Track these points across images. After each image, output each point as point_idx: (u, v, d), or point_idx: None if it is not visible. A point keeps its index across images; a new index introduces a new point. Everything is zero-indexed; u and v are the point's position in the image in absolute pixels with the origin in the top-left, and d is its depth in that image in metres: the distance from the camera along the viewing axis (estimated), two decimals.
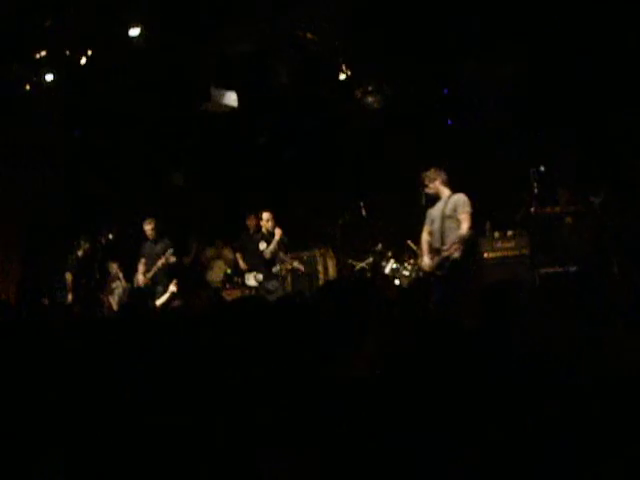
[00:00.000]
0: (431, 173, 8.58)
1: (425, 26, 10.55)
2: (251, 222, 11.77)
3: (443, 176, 8.57)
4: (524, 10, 9.98)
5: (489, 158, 11.96)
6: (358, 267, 12.23)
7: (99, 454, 2.32)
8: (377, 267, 11.77)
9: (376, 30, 10.76)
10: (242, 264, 11.82)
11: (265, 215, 10.87)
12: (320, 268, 12.56)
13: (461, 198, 8.32)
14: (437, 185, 8.56)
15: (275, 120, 13.14)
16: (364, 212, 12.16)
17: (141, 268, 10.98)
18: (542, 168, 9.67)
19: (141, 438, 2.29)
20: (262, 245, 10.78)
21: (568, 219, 10.53)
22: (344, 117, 12.84)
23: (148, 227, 11.21)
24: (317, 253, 12.55)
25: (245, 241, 11.82)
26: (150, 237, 11.24)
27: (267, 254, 10.71)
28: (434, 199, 8.64)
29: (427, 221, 8.68)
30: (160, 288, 10.67)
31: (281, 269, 10.85)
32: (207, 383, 2.41)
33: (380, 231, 12.49)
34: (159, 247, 11.09)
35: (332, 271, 12.65)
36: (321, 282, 12.29)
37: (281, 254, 10.84)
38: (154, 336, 3.22)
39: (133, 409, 2.45)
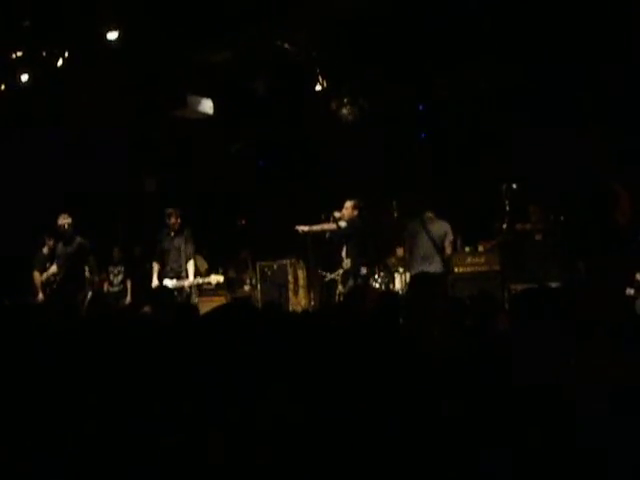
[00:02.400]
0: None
1: (402, 40, 10.62)
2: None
3: None
4: (500, 26, 10.09)
5: (461, 173, 12.06)
6: (328, 278, 12.23)
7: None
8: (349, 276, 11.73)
9: (353, 43, 10.82)
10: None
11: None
12: (290, 278, 12.53)
13: None
14: None
15: (250, 128, 13.15)
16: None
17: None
18: (514, 185, 9.75)
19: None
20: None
21: (538, 236, 10.65)
22: (319, 128, 12.88)
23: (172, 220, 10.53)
24: (287, 263, 12.52)
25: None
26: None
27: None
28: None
29: None
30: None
31: None
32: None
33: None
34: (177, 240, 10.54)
35: (302, 282, 12.64)
36: (291, 292, 12.29)
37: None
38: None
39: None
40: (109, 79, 11.05)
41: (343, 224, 10.13)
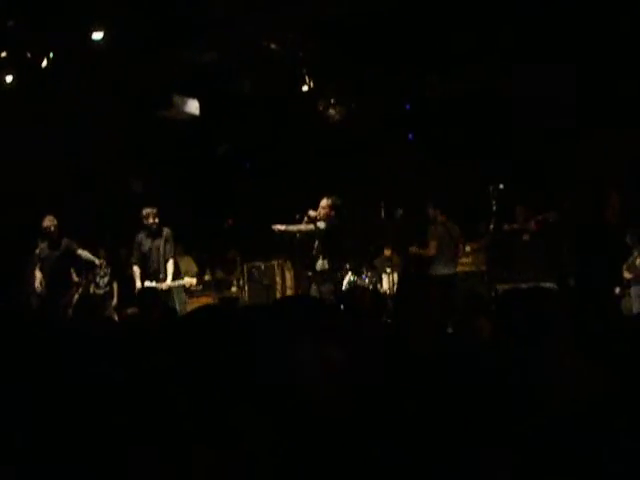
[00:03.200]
0: None
1: (388, 41, 10.62)
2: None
3: None
4: (487, 27, 10.11)
5: (448, 174, 12.06)
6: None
7: None
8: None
9: (340, 43, 10.81)
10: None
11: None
12: (278, 279, 12.51)
13: None
14: None
15: (236, 129, 13.12)
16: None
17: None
18: (501, 186, 9.77)
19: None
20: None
21: (525, 236, 10.66)
22: (306, 128, 12.86)
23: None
24: (275, 264, 12.50)
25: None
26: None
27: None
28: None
29: None
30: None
31: None
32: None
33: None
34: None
35: (290, 282, 12.62)
36: (278, 293, 12.26)
37: None
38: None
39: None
40: (94, 80, 11.00)
41: (322, 224, 10.04)
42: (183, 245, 13.34)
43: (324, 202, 10.11)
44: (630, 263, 10.36)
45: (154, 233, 10.26)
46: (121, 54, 10.60)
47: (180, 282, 10.41)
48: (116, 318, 10.79)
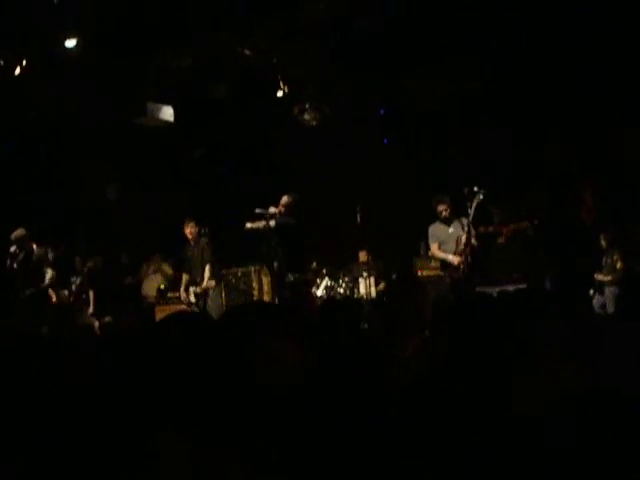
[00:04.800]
0: None
1: (362, 45, 10.65)
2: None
3: None
4: (463, 28, 10.16)
5: (423, 177, 12.11)
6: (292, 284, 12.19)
7: None
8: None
9: (314, 48, 10.83)
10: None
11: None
12: (255, 285, 12.47)
13: None
14: None
15: (211, 135, 13.10)
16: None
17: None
18: (476, 188, 9.79)
19: None
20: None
21: (501, 239, 10.72)
22: (281, 133, 12.87)
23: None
24: (252, 270, 12.46)
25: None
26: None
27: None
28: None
29: None
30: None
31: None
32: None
33: (315, 248, 12.48)
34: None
35: (267, 288, 12.59)
36: (256, 299, 12.22)
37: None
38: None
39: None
40: (68, 87, 10.94)
41: (272, 223, 10.12)
42: (160, 251, 13.32)
43: (283, 200, 10.25)
44: (604, 264, 10.43)
45: (194, 242, 11.03)
46: (94, 61, 10.55)
47: (204, 285, 10.94)
48: (96, 325, 10.83)
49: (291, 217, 10.41)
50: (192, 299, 10.99)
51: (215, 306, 10.97)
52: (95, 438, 2.20)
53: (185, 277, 11.25)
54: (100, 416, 2.30)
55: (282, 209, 10.33)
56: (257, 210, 10.33)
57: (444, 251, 9.71)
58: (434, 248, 9.88)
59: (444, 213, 9.71)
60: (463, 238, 9.42)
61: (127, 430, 2.12)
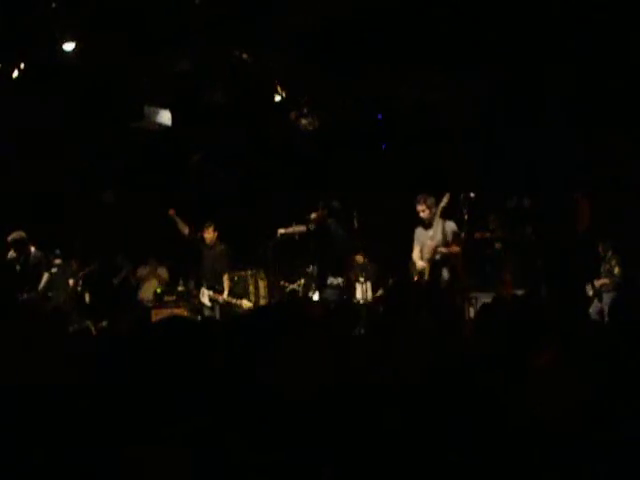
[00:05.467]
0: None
1: (360, 49, 10.65)
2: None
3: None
4: (459, 33, 10.17)
5: (422, 182, 12.10)
6: (289, 289, 12.17)
7: None
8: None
9: (312, 53, 10.83)
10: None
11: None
12: (251, 289, 12.46)
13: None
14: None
15: (209, 139, 13.10)
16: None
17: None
18: (472, 194, 9.77)
19: None
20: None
21: (497, 245, 10.72)
22: (278, 138, 12.87)
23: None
24: (248, 274, 12.45)
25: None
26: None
27: None
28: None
29: None
30: None
31: None
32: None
33: (312, 253, 12.46)
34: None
35: (263, 292, 12.57)
36: (252, 304, 12.23)
37: None
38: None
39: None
40: (65, 90, 10.94)
41: (312, 226, 10.19)
42: (156, 255, 13.32)
43: (320, 205, 10.40)
44: (603, 270, 10.43)
45: (209, 247, 11.29)
46: (92, 65, 10.56)
47: (238, 301, 11.34)
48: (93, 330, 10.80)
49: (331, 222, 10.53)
50: (206, 302, 11.10)
51: None
52: (94, 438, 2.20)
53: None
54: (100, 416, 2.30)
55: (322, 213, 10.52)
56: (281, 230, 10.55)
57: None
58: (414, 253, 9.53)
59: (422, 214, 9.37)
60: (430, 244, 9.17)
61: (125, 431, 2.13)
